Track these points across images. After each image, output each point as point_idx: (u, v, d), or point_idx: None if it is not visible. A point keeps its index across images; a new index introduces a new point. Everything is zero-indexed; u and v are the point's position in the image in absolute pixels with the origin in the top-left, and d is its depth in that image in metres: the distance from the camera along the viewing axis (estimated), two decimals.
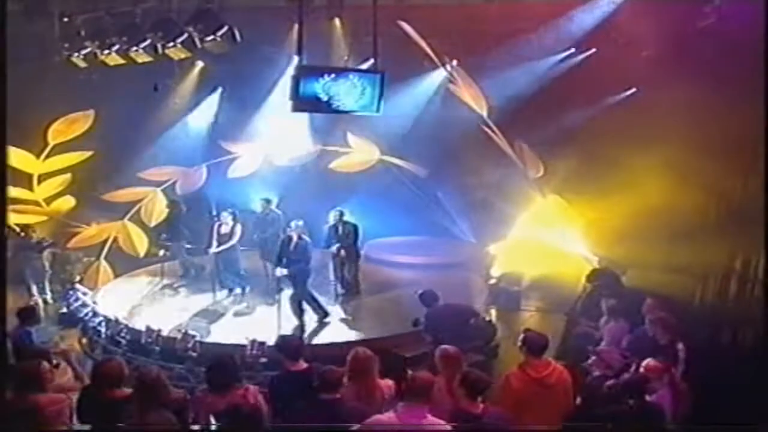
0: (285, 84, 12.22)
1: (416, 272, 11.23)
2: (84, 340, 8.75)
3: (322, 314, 9.06)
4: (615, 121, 8.48)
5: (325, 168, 12.85)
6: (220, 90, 12.81)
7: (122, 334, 8.02)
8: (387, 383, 4.78)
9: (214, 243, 10.00)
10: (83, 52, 9.04)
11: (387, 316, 9.37)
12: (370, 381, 4.63)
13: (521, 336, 4.98)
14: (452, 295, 10.02)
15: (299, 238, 9.03)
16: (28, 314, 6.65)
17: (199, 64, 12.71)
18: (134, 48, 8.31)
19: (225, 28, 7.58)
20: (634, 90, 9.17)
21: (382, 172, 12.60)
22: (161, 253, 12.31)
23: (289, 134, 12.67)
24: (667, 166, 8.01)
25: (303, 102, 7.04)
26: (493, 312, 10.51)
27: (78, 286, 9.84)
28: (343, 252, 10.24)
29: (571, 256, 10.28)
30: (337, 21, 11.74)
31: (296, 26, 11.54)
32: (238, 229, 10.08)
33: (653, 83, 8.58)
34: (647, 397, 4.65)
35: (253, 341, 7.35)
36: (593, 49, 9.81)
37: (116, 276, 11.26)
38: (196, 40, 7.86)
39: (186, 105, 12.73)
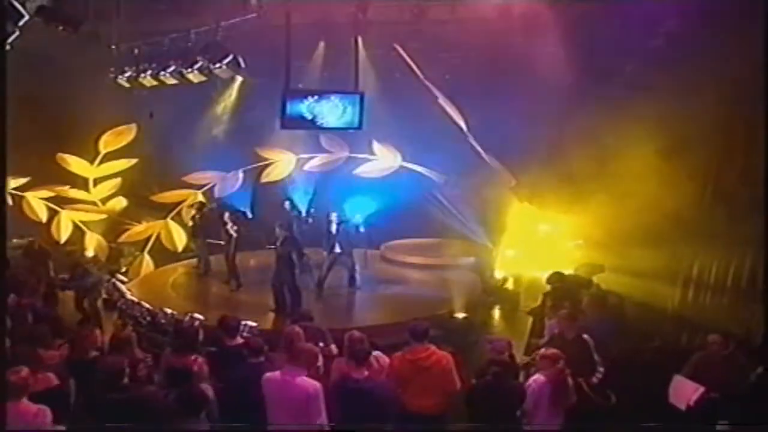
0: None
1: (423, 273, 12.17)
2: (119, 321, 10.23)
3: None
4: (587, 126, 8.99)
5: (350, 173, 13.91)
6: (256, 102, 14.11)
7: (144, 316, 9.40)
8: (313, 349, 5.61)
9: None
10: (125, 75, 10.54)
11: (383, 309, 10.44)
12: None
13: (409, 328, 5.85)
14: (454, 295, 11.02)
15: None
16: None
17: (239, 78, 14.13)
18: (162, 73, 9.71)
19: (230, 57, 8.80)
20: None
21: (401, 177, 13.54)
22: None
23: (318, 142, 13.90)
24: (639, 172, 8.51)
25: (290, 120, 8.20)
26: (496, 312, 11.32)
27: (118, 276, 11.41)
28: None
29: (570, 258, 10.87)
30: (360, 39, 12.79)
31: (321, 43, 13.09)
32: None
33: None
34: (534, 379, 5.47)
35: (245, 325, 8.53)
36: None
37: (156, 268, 12.81)
38: (210, 66, 9.14)
39: (228, 116, 14.15)
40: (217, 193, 13.61)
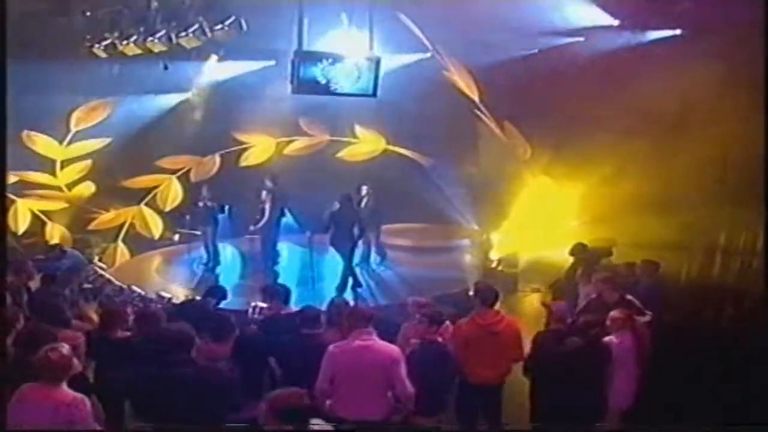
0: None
1: (417, 256, 11.75)
2: (100, 310, 9.33)
3: None
4: (603, 101, 8.84)
5: (332, 157, 13.40)
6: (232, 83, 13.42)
7: (135, 302, 8.60)
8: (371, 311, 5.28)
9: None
10: (104, 43, 9.65)
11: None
12: (344, 327, 5.04)
13: (474, 289, 5.47)
14: (451, 278, 10.70)
15: None
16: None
17: (214, 57, 13.41)
18: (150, 38, 8.93)
19: (232, 18, 8.16)
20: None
21: (387, 161, 13.11)
22: (175, 237, 13.10)
23: (298, 124, 13.36)
24: (655, 143, 8.40)
25: (303, 85, 7.65)
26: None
27: (96, 262, 10.46)
28: None
29: (567, 237, 10.71)
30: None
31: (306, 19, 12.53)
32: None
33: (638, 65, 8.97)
34: (612, 338, 5.14)
35: (255, 306, 7.90)
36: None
37: (132, 257, 11.92)
38: (207, 29, 8.45)
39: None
40: (193, 177, 12.83)
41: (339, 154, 13.47)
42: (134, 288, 8.92)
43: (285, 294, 5.71)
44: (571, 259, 9.54)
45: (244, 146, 13.29)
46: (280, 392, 3.40)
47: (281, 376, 4.70)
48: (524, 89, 9.49)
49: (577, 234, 10.16)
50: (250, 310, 8.00)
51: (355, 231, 9.91)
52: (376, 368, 4.42)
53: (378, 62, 7.83)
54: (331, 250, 12.03)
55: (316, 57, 7.61)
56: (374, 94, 7.95)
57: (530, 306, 10.65)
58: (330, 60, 7.61)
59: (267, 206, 10.76)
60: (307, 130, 13.45)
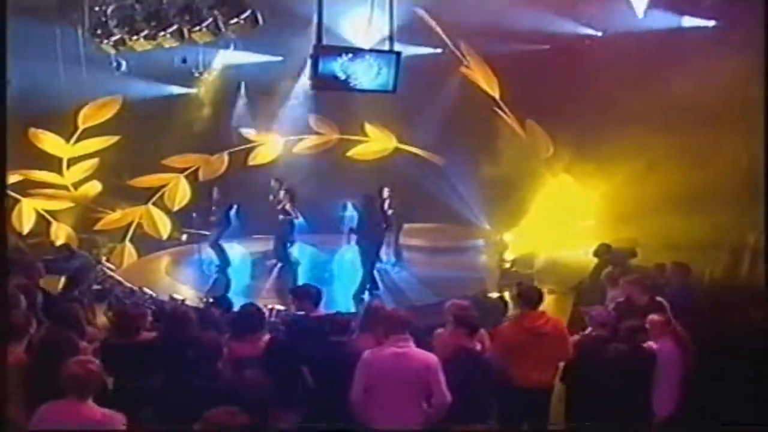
0: (304, 74, 12.99)
1: (431, 257, 11.53)
2: (110, 313, 9.08)
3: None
4: (626, 97, 8.63)
5: (342, 156, 13.18)
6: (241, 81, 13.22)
7: (147, 304, 8.35)
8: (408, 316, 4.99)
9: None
10: (113, 39, 9.39)
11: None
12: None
13: (517, 291, 5.24)
14: (466, 278, 10.47)
15: None
16: None
17: (222, 53, 13.20)
18: (161, 33, 8.67)
19: (248, 12, 7.91)
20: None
21: (398, 160, 12.89)
22: (183, 237, 12.87)
23: (308, 123, 13.16)
24: (680, 141, 8.18)
25: (322, 80, 7.40)
26: (507, 295, 10.76)
27: (105, 263, 10.19)
28: None
29: (583, 237, 10.49)
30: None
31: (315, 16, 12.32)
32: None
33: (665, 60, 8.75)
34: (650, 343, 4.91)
35: (272, 308, 7.68)
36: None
37: (140, 258, 11.67)
38: (221, 23, 8.20)
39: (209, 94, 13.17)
40: (201, 177, 12.60)
41: (349, 153, 13.25)
42: (145, 290, 8.64)
43: (317, 295, 5.35)
44: (592, 260, 9.43)
45: (252, 145, 13.06)
46: (214, 412, 3.11)
47: (313, 385, 4.45)
48: (547, 84, 9.26)
49: (596, 234, 9.98)
50: (267, 313, 7.83)
51: (381, 231, 9.66)
52: (412, 376, 4.20)
53: (398, 57, 7.60)
54: (342, 249, 11.97)
55: (335, 51, 7.36)
56: (394, 90, 7.72)
57: (546, 307, 10.43)
58: (349, 55, 7.37)
59: (287, 205, 10.46)
60: (316, 128, 13.27)
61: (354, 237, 9.80)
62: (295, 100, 13.05)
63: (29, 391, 4.19)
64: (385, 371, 4.23)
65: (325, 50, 7.33)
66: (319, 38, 7.33)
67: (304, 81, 12.73)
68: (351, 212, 13.89)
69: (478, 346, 4.62)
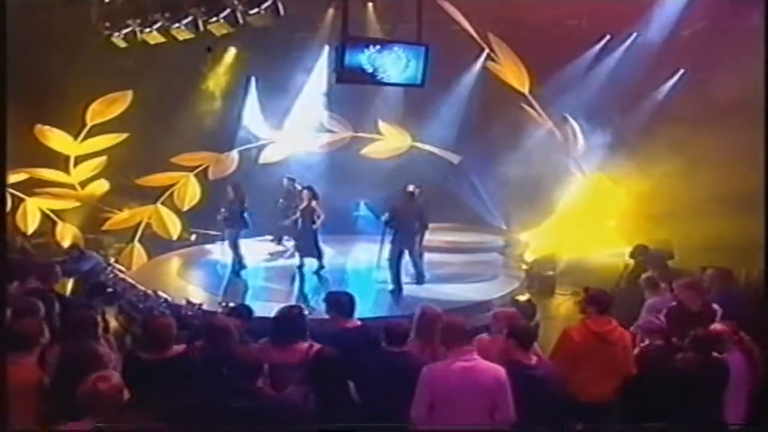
0: (318, 69, 12.70)
1: (450, 256, 11.14)
2: (120, 317, 8.71)
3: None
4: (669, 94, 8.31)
5: (356, 154, 12.84)
6: (251, 77, 12.87)
7: (162, 308, 7.98)
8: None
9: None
10: (124, 31, 9.03)
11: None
12: (434, 339, 4.52)
13: (584, 295, 4.90)
14: (486, 278, 10.15)
15: None
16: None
17: (232, 50, 12.90)
18: (176, 25, 8.31)
19: (269, 1, 7.54)
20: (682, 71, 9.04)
21: (414, 158, 12.55)
22: (192, 237, 12.51)
23: (320, 120, 12.82)
24: (716, 141, 7.85)
25: (348, 73, 7.01)
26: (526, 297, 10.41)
27: (115, 264, 9.79)
28: None
29: (611, 238, 10.16)
30: (370, 6, 11.79)
31: (330, 10, 12.03)
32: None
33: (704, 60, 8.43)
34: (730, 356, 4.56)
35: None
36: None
37: (149, 259, 11.28)
38: (239, 14, 7.84)
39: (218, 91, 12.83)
40: (211, 175, 12.23)
41: (363, 151, 12.90)
42: (160, 293, 8.25)
43: (350, 304, 4.88)
44: (618, 262, 9.10)
45: (263, 142, 12.70)
46: None
47: (360, 402, 4.05)
48: (582, 80, 8.91)
49: (625, 234, 9.66)
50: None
51: (417, 230, 9.28)
52: (481, 392, 3.84)
53: (426, 50, 7.23)
54: (356, 249, 11.63)
55: (362, 42, 6.99)
56: (422, 84, 7.35)
57: (568, 310, 10.11)
58: (377, 46, 6.99)
59: (312, 204, 10.09)
60: (329, 126, 12.93)
61: (388, 234, 9.38)
62: (308, 97, 12.73)
63: (45, 410, 3.84)
64: (453, 387, 3.88)
65: (352, 41, 6.95)
66: (344, 27, 6.95)
67: (317, 76, 12.69)
68: (365, 212, 13.71)
69: (534, 360, 4.23)
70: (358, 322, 4.85)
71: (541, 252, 11.11)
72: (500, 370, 3.91)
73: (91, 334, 4.46)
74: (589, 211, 10.06)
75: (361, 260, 11.28)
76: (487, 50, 9.76)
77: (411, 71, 7.27)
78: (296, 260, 10.55)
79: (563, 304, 10.34)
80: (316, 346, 4.32)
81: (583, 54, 9.67)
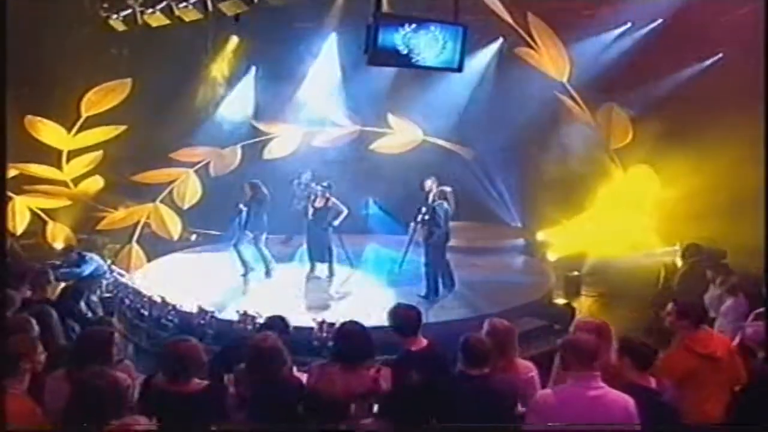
0: (321, 61, 12.01)
1: (472, 256, 10.49)
2: (121, 326, 7.94)
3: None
4: (705, 87, 7.71)
5: (366, 149, 12.17)
6: (254, 68, 12.17)
7: (170, 317, 7.24)
8: (523, 363, 4.03)
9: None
10: (123, 13, 8.29)
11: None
12: (510, 355, 3.90)
13: (674, 308, 4.27)
14: (513, 279, 9.52)
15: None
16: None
17: (234, 39, 12.21)
18: (182, 4, 7.58)
19: None
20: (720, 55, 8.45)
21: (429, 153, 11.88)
22: (192, 237, 11.77)
23: (327, 113, 12.13)
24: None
25: (380, 54, 6.29)
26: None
27: (114, 267, 9.00)
28: None
29: (636, 238, 9.61)
30: None
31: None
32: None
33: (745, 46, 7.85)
34: None
35: (322, 322, 6.62)
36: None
37: (149, 261, 10.50)
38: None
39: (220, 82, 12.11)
40: (212, 171, 11.48)
41: (372, 146, 12.21)
42: (167, 300, 7.47)
43: (417, 320, 4.12)
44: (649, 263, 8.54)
45: (267, 137, 11.97)
46: None
47: None
48: (628, 67, 8.27)
49: (664, 234, 9.09)
50: (316, 327, 6.76)
51: (448, 231, 8.63)
52: (609, 425, 3.18)
53: (465, 31, 6.57)
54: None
55: (397, 21, 6.30)
56: (460, 69, 6.68)
57: (596, 312, 9.53)
58: (413, 25, 6.30)
59: (331, 201, 9.49)
60: (335, 120, 12.23)
61: (421, 237, 8.70)
62: (314, 89, 12.03)
63: None
64: (577, 419, 3.24)
65: (386, 19, 6.27)
66: (378, 5, 6.27)
67: (323, 64, 12.00)
68: (374, 210, 13.03)
69: (653, 383, 3.59)
70: (425, 341, 4.12)
71: (565, 251, 10.56)
72: (629, 401, 3.26)
73: (107, 357, 3.71)
74: (622, 209, 9.45)
75: (370, 261, 10.66)
76: (524, 35, 9.03)
77: (448, 54, 6.60)
78: (306, 264, 9.82)
79: (592, 306, 9.82)
80: (385, 371, 3.64)
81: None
